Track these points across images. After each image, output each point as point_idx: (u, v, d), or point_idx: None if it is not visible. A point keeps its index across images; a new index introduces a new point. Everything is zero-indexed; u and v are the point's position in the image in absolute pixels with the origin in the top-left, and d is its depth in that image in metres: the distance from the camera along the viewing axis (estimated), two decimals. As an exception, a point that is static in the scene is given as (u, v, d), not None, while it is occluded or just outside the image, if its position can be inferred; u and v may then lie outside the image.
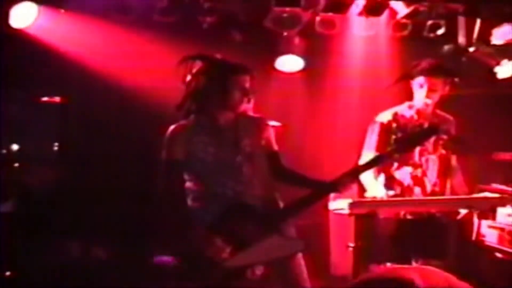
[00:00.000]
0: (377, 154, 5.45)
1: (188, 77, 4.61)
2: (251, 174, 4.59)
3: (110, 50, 7.25)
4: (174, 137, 4.59)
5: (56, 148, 7.09)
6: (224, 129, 4.62)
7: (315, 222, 6.81)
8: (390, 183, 5.86)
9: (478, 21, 7.79)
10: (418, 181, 5.90)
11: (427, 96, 5.87)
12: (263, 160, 4.69)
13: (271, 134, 4.80)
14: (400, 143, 4.87)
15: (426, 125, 5.69)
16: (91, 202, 7.12)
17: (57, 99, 6.92)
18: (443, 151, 5.90)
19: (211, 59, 4.67)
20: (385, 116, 5.99)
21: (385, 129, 5.92)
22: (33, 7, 6.94)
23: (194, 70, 4.61)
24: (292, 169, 4.83)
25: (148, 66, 7.30)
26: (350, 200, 5.28)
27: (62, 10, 7.10)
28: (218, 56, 4.71)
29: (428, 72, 5.85)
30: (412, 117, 5.95)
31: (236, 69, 4.61)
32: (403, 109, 6.02)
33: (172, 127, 4.63)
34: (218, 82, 4.55)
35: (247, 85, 4.59)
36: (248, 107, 4.69)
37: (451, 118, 6.09)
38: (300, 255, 4.63)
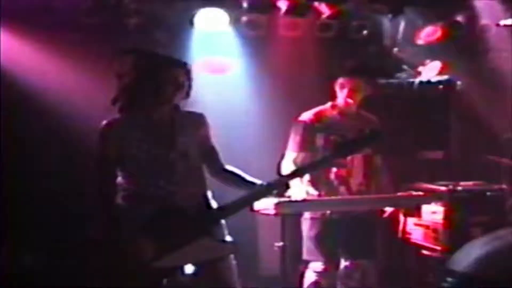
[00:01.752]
0: (306, 157, 5.47)
1: (121, 71, 4.54)
2: (185, 173, 4.54)
3: (34, 52, 7.14)
4: (107, 133, 4.51)
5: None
6: (158, 125, 4.55)
7: (243, 222, 6.81)
8: (315, 182, 5.89)
9: (403, 22, 7.89)
10: (343, 180, 5.95)
11: (349, 96, 5.94)
12: (198, 158, 4.65)
13: (208, 131, 4.74)
14: (341, 147, 4.86)
15: (353, 128, 5.77)
16: (20, 210, 7.00)
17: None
18: (368, 151, 5.95)
19: (144, 52, 4.63)
20: (307, 116, 6.04)
21: (308, 129, 5.96)
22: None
23: (127, 64, 4.54)
24: (230, 167, 4.80)
25: (73, 67, 7.20)
26: (275, 200, 5.28)
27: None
28: (152, 49, 4.65)
29: (350, 73, 5.94)
30: (335, 117, 6.01)
31: (169, 62, 4.57)
32: (326, 109, 6.07)
33: (104, 122, 4.54)
34: (150, 75, 4.48)
35: (181, 78, 4.53)
36: (185, 102, 4.66)
37: (374, 118, 6.16)
38: (231, 256, 4.62)
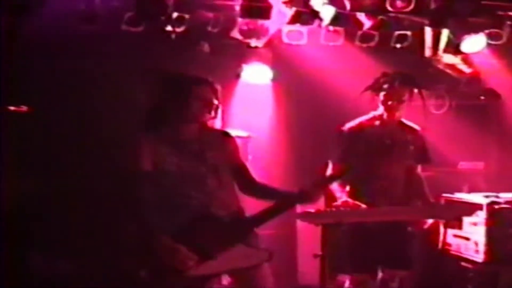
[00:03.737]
0: (342, 166, 5.46)
1: (151, 91, 4.66)
2: (216, 185, 4.61)
3: (77, 59, 7.21)
4: (140, 148, 4.60)
5: (22, 158, 7.01)
6: (188, 142, 4.64)
7: (282, 231, 6.84)
8: (355, 193, 5.88)
9: (445, 32, 7.87)
10: (384, 191, 5.92)
11: (393, 107, 5.92)
12: (228, 172, 4.72)
13: (236, 147, 4.84)
14: (364, 157, 4.91)
15: (395, 138, 5.77)
16: (55, 214, 7.08)
17: (23, 108, 6.86)
18: (408, 161, 5.93)
19: (171, 72, 4.73)
20: (351, 126, 6.04)
21: (351, 139, 5.96)
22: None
23: (155, 84, 4.66)
24: (260, 181, 4.86)
25: (115, 76, 7.27)
26: (317, 209, 5.29)
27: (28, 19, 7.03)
28: (179, 69, 4.76)
29: (394, 83, 5.90)
30: (377, 127, 6.00)
31: (196, 80, 4.67)
32: (369, 119, 6.06)
33: (138, 138, 4.65)
34: (178, 94, 4.60)
35: (208, 96, 4.63)
36: (214, 120, 4.74)
37: (417, 128, 6.14)
38: (266, 265, 4.65)
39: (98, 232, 7.00)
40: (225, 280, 4.46)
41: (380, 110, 6.03)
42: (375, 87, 6.03)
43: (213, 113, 4.68)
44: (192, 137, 4.66)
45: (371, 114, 6.09)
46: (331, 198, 5.86)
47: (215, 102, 4.67)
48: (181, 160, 4.58)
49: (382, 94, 5.98)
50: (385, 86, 5.95)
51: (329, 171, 5.88)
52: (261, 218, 4.61)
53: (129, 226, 4.66)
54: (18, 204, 6.91)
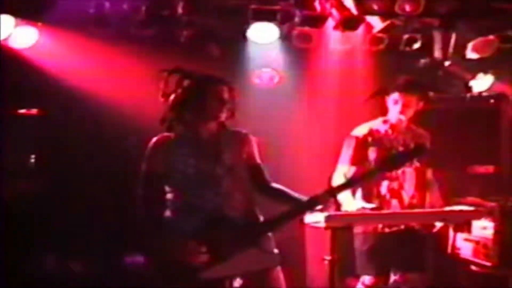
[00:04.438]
0: (358, 171, 5.44)
1: (167, 91, 4.65)
2: (231, 187, 4.60)
3: (87, 63, 7.24)
4: (156, 149, 4.63)
5: (33, 160, 7.04)
6: (205, 142, 4.65)
7: (292, 235, 6.82)
8: (368, 196, 5.88)
9: (454, 35, 7.86)
10: (395, 193, 5.91)
11: (401, 112, 5.91)
12: (244, 173, 4.71)
13: (254, 148, 4.81)
14: (384, 162, 4.89)
15: (405, 142, 5.75)
16: (67, 215, 7.10)
17: (34, 111, 6.89)
18: (418, 164, 5.92)
19: (187, 71, 4.71)
20: (360, 131, 6.03)
21: (361, 143, 5.95)
22: (9, 20, 6.90)
23: (172, 83, 4.65)
24: (275, 184, 4.84)
25: (125, 79, 7.29)
26: (326, 214, 5.29)
27: (39, 23, 7.07)
28: (195, 69, 4.75)
29: (403, 89, 5.89)
30: (386, 132, 5.99)
31: (213, 79, 4.67)
32: (378, 124, 6.06)
33: (154, 139, 4.66)
34: (195, 93, 4.60)
35: (225, 95, 4.63)
36: (231, 120, 4.73)
37: (425, 132, 6.13)
38: (278, 268, 4.65)
39: (109, 234, 7.02)
40: (237, 282, 4.45)
41: (389, 115, 6.03)
42: (384, 93, 6.03)
43: (230, 113, 4.69)
44: (209, 136, 4.66)
45: (380, 118, 6.09)
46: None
47: (232, 102, 4.68)
48: (198, 161, 4.58)
49: (390, 99, 5.99)
50: (394, 92, 5.96)
51: (338, 176, 5.88)
52: (274, 222, 4.61)
53: (141, 227, 4.66)
54: (31, 206, 6.94)
